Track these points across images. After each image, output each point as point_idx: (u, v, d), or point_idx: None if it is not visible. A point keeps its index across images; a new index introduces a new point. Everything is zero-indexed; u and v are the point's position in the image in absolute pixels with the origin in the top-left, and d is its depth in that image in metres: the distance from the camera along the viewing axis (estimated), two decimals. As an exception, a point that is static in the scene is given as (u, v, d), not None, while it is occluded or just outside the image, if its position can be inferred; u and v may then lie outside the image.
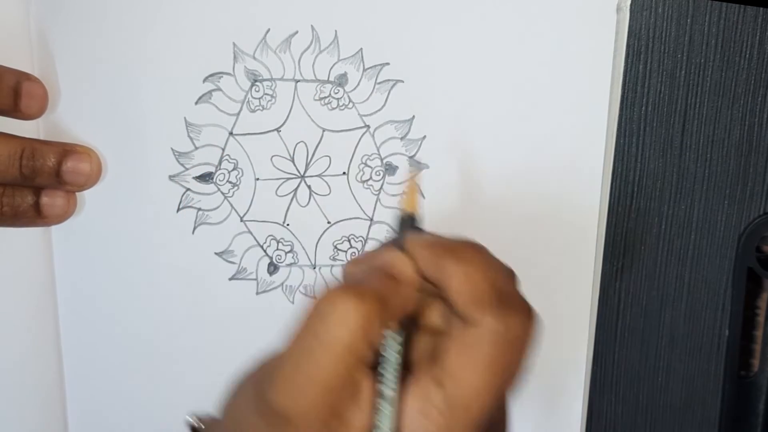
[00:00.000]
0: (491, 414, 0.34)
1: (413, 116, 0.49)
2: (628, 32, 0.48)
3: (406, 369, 0.34)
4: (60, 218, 0.48)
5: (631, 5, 0.48)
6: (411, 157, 0.48)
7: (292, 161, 0.49)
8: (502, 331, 0.33)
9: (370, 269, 0.35)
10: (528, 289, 0.51)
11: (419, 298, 0.35)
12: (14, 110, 0.46)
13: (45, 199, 0.47)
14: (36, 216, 0.47)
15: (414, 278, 0.35)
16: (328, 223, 0.50)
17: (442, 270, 0.34)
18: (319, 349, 0.32)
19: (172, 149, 0.49)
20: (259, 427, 0.34)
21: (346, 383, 0.33)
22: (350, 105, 0.49)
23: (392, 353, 0.34)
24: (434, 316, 0.36)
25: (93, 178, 0.48)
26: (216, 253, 0.50)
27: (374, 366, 0.34)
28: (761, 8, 0.48)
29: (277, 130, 0.49)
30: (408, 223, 0.38)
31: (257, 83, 0.48)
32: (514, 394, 0.36)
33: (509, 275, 0.35)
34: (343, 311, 0.32)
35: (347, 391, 0.33)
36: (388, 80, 0.48)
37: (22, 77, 0.46)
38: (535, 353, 0.35)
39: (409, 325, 0.35)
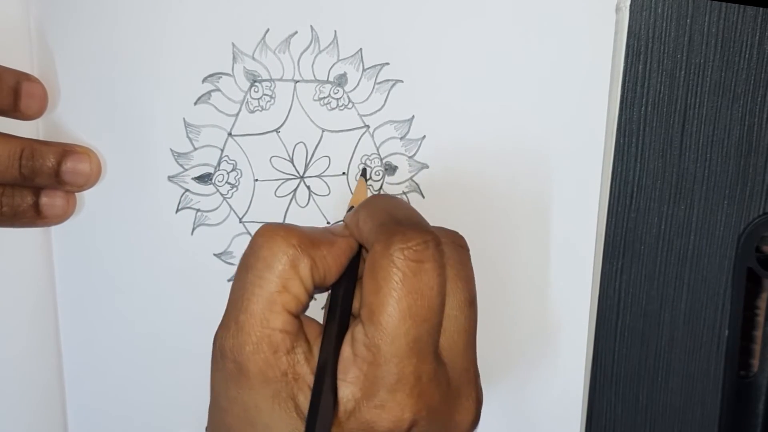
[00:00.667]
0: (428, 345, 0.34)
1: (413, 116, 0.49)
2: (628, 32, 0.48)
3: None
4: (60, 218, 0.48)
5: (630, 5, 0.48)
6: (363, 168, 0.49)
7: (292, 162, 0.49)
8: (396, 249, 0.33)
9: (308, 227, 0.38)
10: (528, 289, 0.51)
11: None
12: (14, 110, 0.46)
13: (44, 200, 0.47)
14: (36, 216, 0.47)
15: (347, 234, 0.38)
16: (328, 223, 0.50)
17: (358, 223, 0.37)
18: (253, 281, 0.35)
19: (171, 150, 0.49)
20: (220, 382, 0.36)
21: (284, 325, 0.34)
22: (350, 105, 0.49)
23: (335, 306, 0.36)
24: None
25: (92, 178, 0.48)
26: (215, 254, 0.50)
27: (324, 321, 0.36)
28: (761, 8, 0.49)
29: (276, 130, 0.49)
30: None
31: (256, 84, 0.48)
32: (453, 324, 0.36)
33: (414, 211, 0.37)
34: (270, 239, 0.35)
35: (295, 341, 0.35)
36: (388, 80, 0.48)
37: (21, 77, 0.46)
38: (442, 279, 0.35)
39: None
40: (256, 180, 0.49)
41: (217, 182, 0.49)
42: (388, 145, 0.49)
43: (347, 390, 0.34)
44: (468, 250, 0.38)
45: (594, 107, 0.49)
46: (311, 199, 0.50)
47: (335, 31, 0.48)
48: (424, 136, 0.49)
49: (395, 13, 0.47)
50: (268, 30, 0.48)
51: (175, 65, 0.48)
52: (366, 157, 0.49)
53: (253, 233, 0.49)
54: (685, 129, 0.50)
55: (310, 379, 0.34)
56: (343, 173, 0.49)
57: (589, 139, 0.49)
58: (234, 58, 0.48)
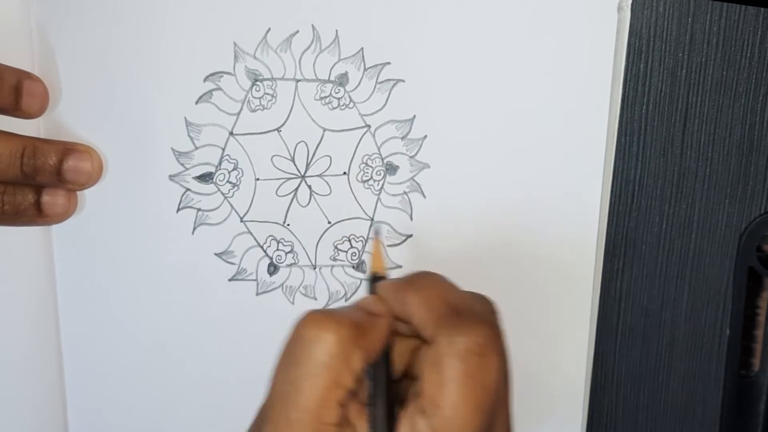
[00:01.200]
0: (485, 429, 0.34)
1: (414, 116, 0.49)
2: (629, 31, 0.48)
3: (399, 406, 0.35)
4: (61, 217, 0.48)
5: (632, 4, 0.48)
6: (377, 227, 0.50)
7: (293, 161, 0.49)
8: (462, 343, 0.33)
9: (347, 307, 0.37)
10: (529, 289, 0.51)
11: (402, 341, 0.38)
12: (15, 109, 0.46)
13: (46, 198, 0.47)
14: (37, 215, 0.47)
15: (386, 312, 0.37)
16: (329, 223, 0.50)
17: (405, 303, 0.36)
18: (304, 377, 0.34)
19: (172, 149, 0.49)
20: None
21: (337, 419, 0.34)
22: (351, 105, 0.49)
23: (380, 388, 0.36)
24: (414, 353, 0.38)
25: (94, 177, 0.48)
26: (216, 254, 0.50)
27: (366, 404, 0.35)
28: (762, 8, 0.48)
29: (278, 129, 0.49)
30: (377, 280, 0.40)
31: (258, 83, 0.48)
32: (505, 408, 0.36)
33: (464, 294, 0.37)
34: (321, 334, 0.34)
35: (341, 429, 0.34)
36: (389, 80, 0.48)
37: (23, 76, 0.46)
38: (511, 362, 0.35)
39: (393, 365, 0.37)
40: (258, 179, 0.49)
41: (218, 181, 0.49)
42: (389, 145, 0.49)
43: None
44: (500, 314, 0.38)
45: (595, 106, 0.49)
46: (312, 198, 0.50)
47: (336, 31, 0.48)
48: (426, 136, 0.49)
49: (396, 12, 0.47)
50: (269, 29, 0.48)
51: (177, 64, 0.48)
52: (367, 156, 0.49)
53: (254, 234, 0.50)
54: (687, 128, 0.50)
55: None
56: (344, 173, 0.49)
57: (591, 138, 0.49)
58: (235, 57, 0.48)
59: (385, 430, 0.35)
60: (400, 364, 0.38)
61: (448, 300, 0.36)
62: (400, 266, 0.50)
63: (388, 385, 0.36)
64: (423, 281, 0.37)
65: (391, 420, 0.35)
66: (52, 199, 0.47)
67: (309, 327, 0.34)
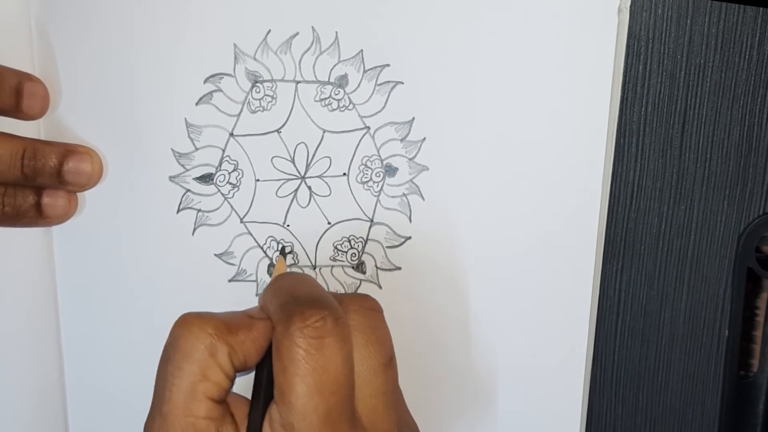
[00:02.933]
0: (341, 414, 0.35)
1: (413, 118, 0.49)
2: (628, 33, 0.48)
3: None
4: (61, 218, 0.48)
5: (631, 6, 0.48)
6: (282, 248, 0.50)
7: (293, 162, 0.49)
8: (295, 327, 0.34)
9: (228, 312, 0.39)
10: (528, 289, 0.51)
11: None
12: (16, 110, 0.46)
13: (46, 200, 0.47)
14: (37, 216, 0.47)
15: (261, 314, 0.38)
16: (329, 224, 0.50)
17: (266, 303, 0.38)
18: (173, 372, 0.35)
19: (172, 150, 0.49)
20: None
21: (207, 413, 0.35)
22: (350, 106, 0.49)
23: (259, 387, 0.37)
24: None
25: (94, 178, 0.48)
26: (216, 255, 0.50)
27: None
28: (761, 8, 0.49)
29: (278, 131, 0.49)
30: None
31: (258, 84, 0.48)
32: (373, 392, 0.37)
33: (314, 285, 0.38)
34: (187, 330, 0.36)
35: (221, 425, 0.36)
36: (389, 82, 0.48)
37: (23, 77, 0.46)
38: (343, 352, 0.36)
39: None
40: (258, 180, 0.50)
41: (218, 182, 0.50)
42: (388, 147, 0.49)
43: None
44: (381, 311, 0.39)
45: (595, 108, 0.49)
46: (312, 199, 0.50)
47: (336, 33, 0.48)
48: (425, 138, 0.49)
49: (396, 14, 0.47)
50: (269, 31, 0.48)
51: (177, 66, 0.48)
52: (366, 158, 0.49)
53: (255, 235, 0.50)
54: (685, 129, 0.50)
55: None
56: (344, 174, 0.49)
57: (590, 139, 0.49)
58: (236, 58, 0.48)
59: (257, 423, 0.36)
60: None
61: (293, 291, 0.37)
62: (399, 268, 0.50)
63: (267, 385, 0.36)
64: (278, 278, 0.39)
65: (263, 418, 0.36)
66: (52, 200, 0.48)
67: (179, 325, 0.36)
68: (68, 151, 0.47)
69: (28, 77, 0.46)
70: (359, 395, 0.36)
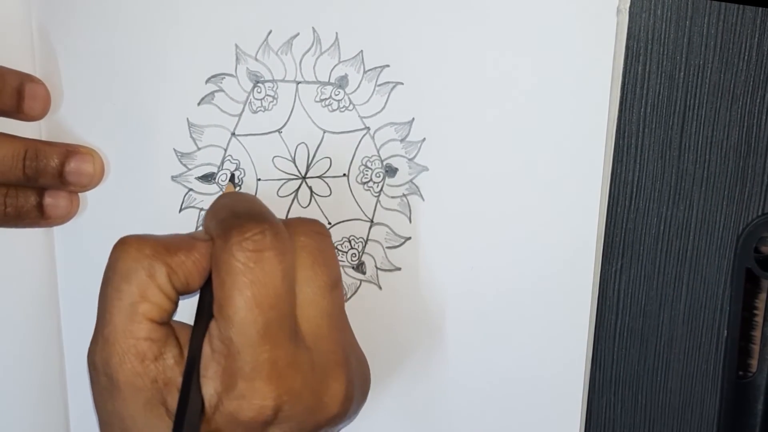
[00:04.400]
0: (282, 330, 0.34)
1: (413, 118, 0.49)
2: (627, 34, 0.48)
3: None
4: (63, 219, 0.48)
5: (630, 7, 0.48)
6: (232, 176, 0.49)
7: (293, 162, 0.49)
8: (234, 240, 0.34)
9: (169, 234, 0.38)
10: (527, 290, 0.51)
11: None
12: (17, 111, 0.46)
13: (48, 200, 0.48)
14: (39, 217, 0.48)
15: (205, 236, 0.37)
16: (329, 224, 0.50)
17: (206, 222, 0.37)
18: (112, 294, 0.35)
19: (174, 150, 0.49)
20: (97, 397, 0.36)
21: (149, 333, 0.35)
22: (351, 107, 0.49)
23: (201, 309, 0.36)
24: None
25: (96, 179, 0.48)
26: (217, 254, 0.51)
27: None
28: (760, 8, 0.49)
29: (279, 131, 0.49)
30: None
31: (259, 84, 0.49)
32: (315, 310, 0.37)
33: (253, 201, 0.37)
34: (124, 250, 0.35)
35: (164, 347, 0.35)
36: (388, 82, 0.48)
37: (25, 78, 0.46)
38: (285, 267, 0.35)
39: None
40: (259, 180, 0.50)
41: (220, 182, 0.50)
42: (388, 147, 0.49)
43: (209, 386, 0.34)
44: (328, 236, 0.38)
45: (594, 109, 0.49)
46: (312, 199, 0.50)
47: (336, 33, 0.48)
48: (424, 139, 0.49)
49: (396, 15, 0.48)
50: (270, 31, 0.48)
51: (179, 66, 0.48)
52: (366, 158, 0.49)
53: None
54: (684, 130, 0.50)
55: (180, 382, 0.35)
56: (344, 174, 0.50)
57: (589, 140, 0.49)
58: (237, 59, 0.48)
59: (198, 342, 0.35)
60: None
61: (232, 207, 0.36)
62: (399, 268, 0.51)
63: (208, 304, 0.36)
64: (219, 197, 0.38)
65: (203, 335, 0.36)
66: (54, 201, 0.48)
67: (117, 247, 0.36)
68: (70, 151, 0.47)
69: (30, 78, 0.47)
70: (304, 315, 0.36)
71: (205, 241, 0.36)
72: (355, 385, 0.38)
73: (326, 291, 0.37)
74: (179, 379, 0.35)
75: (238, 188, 0.49)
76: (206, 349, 0.35)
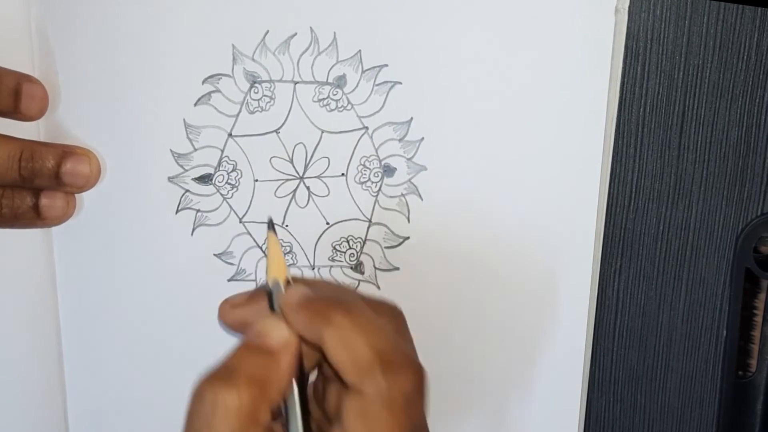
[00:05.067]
0: None
1: (411, 118, 0.49)
2: (626, 34, 0.48)
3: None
4: (59, 220, 0.48)
5: (629, 7, 0.48)
6: (269, 219, 0.42)
7: (291, 162, 0.49)
8: (391, 394, 0.32)
9: (243, 348, 0.35)
10: (526, 290, 0.51)
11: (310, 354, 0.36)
12: (14, 112, 0.46)
13: (44, 201, 0.47)
14: (35, 218, 0.47)
15: (290, 342, 0.34)
16: (327, 224, 0.50)
17: (318, 335, 0.34)
18: None
19: (171, 151, 0.49)
20: None
21: None
22: (349, 106, 0.49)
23: (294, 425, 0.34)
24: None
25: (92, 180, 0.48)
26: (215, 255, 0.50)
27: None
28: (759, 8, 0.49)
29: (276, 131, 0.49)
30: (278, 287, 0.37)
31: (256, 85, 0.48)
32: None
33: (387, 330, 0.35)
34: (222, 405, 0.32)
35: None
36: (387, 82, 0.48)
37: (22, 79, 0.46)
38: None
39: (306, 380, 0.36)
40: (256, 180, 0.50)
41: (217, 183, 0.50)
42: (386, 147, 0.49)
43: None
44: (404, 316, 0.37)
45: (593, 109, 0.49)
46: (311, 199, 0.50)
47: (334, 33, 0.48)
48: (423, 138, 0.49)
49: (394, 15, 0.47)
50: (267, 31, 0.48)
51: (175, 66, 0.48)
52: (365, 158, 0.49)
53: (253, 235, 0.50)
54: (684, 130, 0.50)
55: None
56: (342, 174, 0.50)
57: (588, 140, 0.49)
58: (234, 59, 0.48)
59: None
60: (309, 362, 0.36)
61: (373, 344, 0.33)
62: (397, 268, 0.51)
63: (304, 417, 0.34)
64: (339, 317, 0.34)
65: None
66: (50, 202, 0.48)
67: (202, 398, 0.32)
68: (66, 152, 0.47)
69: (27, 78, 0.46)
70: None
71: (286, 351, 0.34)
72: None
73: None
74: None
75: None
76: None
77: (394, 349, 0.34)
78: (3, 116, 0.46)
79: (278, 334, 0.35)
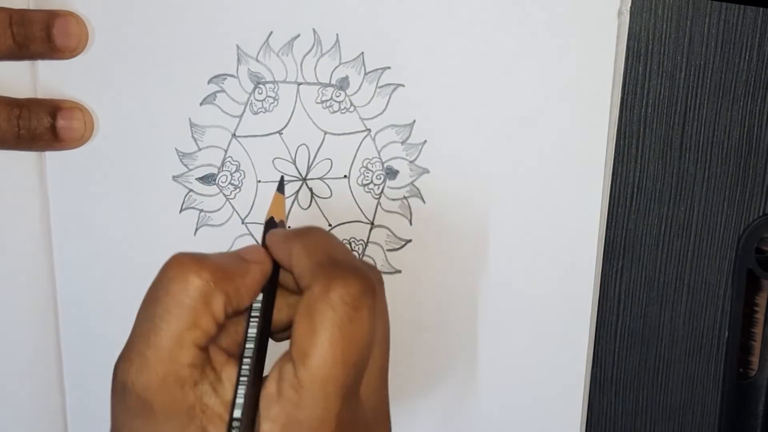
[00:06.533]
0: (354, 388, 0.34)
1: (414, 120, 0.49)
2: (629, 34, 0.48)
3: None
4: (77, 142, 0.48)
5: (631, 8, 0.48)
6: (281, 181, 0.45)
7: (294, 164, 0.49)
8: (336, 292, 0.33)
9: (219, 253, 0.36)
10: (528, 291, 0.51)
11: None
12: (52, 51, 0.47)
13: (61, 122, 0.47)
14: (53, 139, 0.47)
15: (263, 262, 0.36)
16: (329, 225, 0.50)
17: (290, 253, 0.36)
18: (162, 315, 0.34)
19: (176, 150, 0.49)
20: (122, 414, 0.34)
21: (192, 360, 0.34)
22: (351, 108, 0.49)
23: (252, 336, 0.35)
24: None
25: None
26: (218, 255, 0.51)
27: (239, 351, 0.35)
28: (761, 9, 0.49)
29: (279, 132, 0.49)
30: (271, 224, 0.39)
31: (260, 86, 0.49)
32: (378, 373, 0.36)
33: (349, 253, 0.36)
34: (182, 274, 0.34)
35: (202, 373, 0.34)
36: (389, 84, 0.48)
37: (52, 16, 0.46)
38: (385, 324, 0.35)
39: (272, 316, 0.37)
40: (259, 181, 0.50)
41: (220, 183, 0.50)
42: (389, 149, 0.49)
43: (267, 426, 0.34)
44: (383, 283, 0.37)
45: (595, 109, 0.49)
46: (313, 201, 0.50)
47: (337, 35, 0.48)
48: (425, 141, 0.49)
49: (397, 17, 0.48)
50: (271, 33, 0.48)
51: (181, 66, 0.48)
52: (367, 160, 0.49)
53: (256, 235, 0.50)
54: (685, 130, 0.50)
55: (220, 409, 0.34)
56: (345, 176, 0.50)
57: (590, 140, 0.49)
58: (238, 60, 0.48)
59: (254, 378, 0.34)
60: (288, 317, 0.37)
61: (330, 252, 0.35)
62: (399, 271, 0.51)
63: (263, 334, 0.35)
64: (311, 233, 0.37)
65: (261, 369, 0.35)
66: (67, 123, 0.47)
67: (172, 266, 0.34)
68: (52, 15, 0.47)
69: (56, 14, 0.46)
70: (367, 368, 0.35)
71: (259, 264, 0.36)
72: None
73: (383, 344, 0.36)
74: (219, 407, 0.34)
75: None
76: (271, 388, 0.34)
77: (346, 258, 0.35)
78: (42, 58, 0.47)
79: (256, 251, 0.37)
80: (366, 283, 0.34)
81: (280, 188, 0.42)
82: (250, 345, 0.35)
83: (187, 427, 0.33)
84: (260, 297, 0.36)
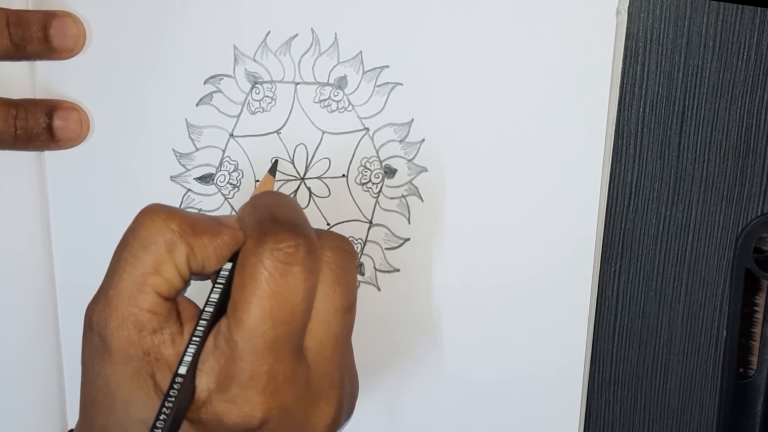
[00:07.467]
0: (289, 346, 0.34)
1: (412, 119, 0.49)
2: (626, 34, 0.48)
3: None
4: (73, 141, 0.48)
5: (629, 8, 0.48)
6: (275, 164, 0.47)
7: (292, 163, 0.49)
8: (267, 247, 0.34)
9: (199, 213, 0.38)
10: (526, 291, 0.51)
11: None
12: (50, 52, 0.47)
13: (58, 122, 0.47)
14: (49, 139, 0.47)
15: (235, 231, 0.36)
16: (328, 224, 0.50)
17: (244, 215, 0.37)
18: (127, 258, 0.35)
19: (173, 150, 0.49)
20: (87, 354, 0.35)
21: (152, 306, 0.35)
22: (350, 108, 0.49)
23: (213, 295, 0.36)
24: None
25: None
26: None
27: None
28: (759, 8, 0.49)
29: (277, 132, 0.49)
30: None
31: (257, 85, 0.49)
32: (325, 336, 0.36)
33: (295, 210, 0.37)
34: (150, 220, 0.35)
35: (165, 322, 0.35)
36: (388, 83, 0.48)
37: (50, 17, 0.46)
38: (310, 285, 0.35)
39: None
40: (257, 181, 0.50)
41: (218, 182, 0.50)
42: (387, 148, 0.49)
43: (203, 379, 0.34)
44: (353, 255, 0.38)
45: (593, 109, 0.49)
46: (311, 200, 0.50)
47: (335, 34, 0.48)
48: (423, 140, 0.49)
49: (395, 16, 0.48)
50: (269, 32, 0.48)
51: (178, 66, 0.48)
52: (366, 159, 0.49)
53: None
54: (683, 130, 0.50)
55: (173, 361, 0.35)
56: (343, 175, 0.50)
57: (588, 140, 0.49)
58: (235, 59, 0.48)
59: (205, 340, 0.35)
60: None
61: (272, 211, 0.36)
62: (398, 270, 0.51)
63: (224, 300, 0.35)
64: (262, 195, 0.38)
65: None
66: (64, 123, 0.47)
67: (144, 213, 0.35)
68: (50, 16, 0.47)
69: (54, 15, 0.46)
70: (313, 332, 0.36)
71: (232, 229, 0.36)
72: (344, 408, 0.38)
73: (340, 312, 0.36)
74: (174, 358, 0.35)
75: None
76: (209, 342, 0.34)
77: (287, 216, 0.35)
78: (40, 58, 0.47)
79: (231, 218, 0.37)
80: (300, 240, 0.34)
81: (272, 171, 0.43)
82: (209, 309, 0.35)
83: (138, 372, 0.34)
84: (230, 266, 0.36)
